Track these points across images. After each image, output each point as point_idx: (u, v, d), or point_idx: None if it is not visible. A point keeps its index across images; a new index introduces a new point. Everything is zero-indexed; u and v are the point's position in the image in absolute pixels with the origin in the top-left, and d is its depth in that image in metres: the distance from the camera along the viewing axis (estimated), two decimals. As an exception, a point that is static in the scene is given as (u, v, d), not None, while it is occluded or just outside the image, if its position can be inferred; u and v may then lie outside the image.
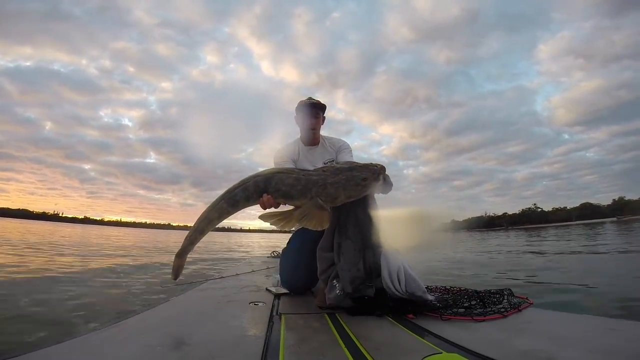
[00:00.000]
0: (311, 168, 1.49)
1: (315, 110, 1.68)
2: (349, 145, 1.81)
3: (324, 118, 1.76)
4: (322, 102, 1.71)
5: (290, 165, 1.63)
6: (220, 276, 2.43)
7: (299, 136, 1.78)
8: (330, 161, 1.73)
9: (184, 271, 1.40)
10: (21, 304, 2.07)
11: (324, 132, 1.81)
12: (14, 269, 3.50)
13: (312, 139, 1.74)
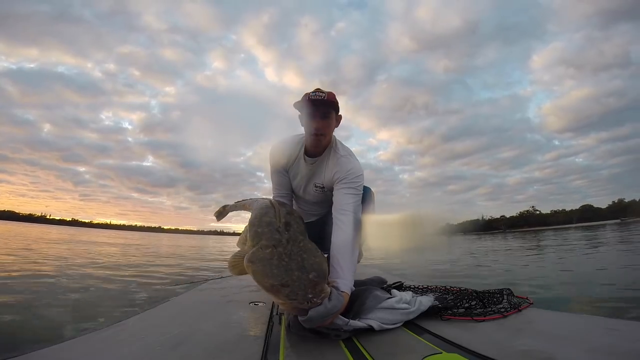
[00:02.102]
0: (302, 187, 1.40)
1: (324, 109, 1.23)
2: (359, 176, 1.25)
3: (338, 118, 1.31)
4: (334, 96, 1.26)
5: (287, 176, 1.42)
6: (220, 276, 2.43)
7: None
8: (322, 188, 1.36)
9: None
10: (18, 305, 2.06)
11: (339, 137, 1.38)
12: None
13: (317, 147, 1.30)
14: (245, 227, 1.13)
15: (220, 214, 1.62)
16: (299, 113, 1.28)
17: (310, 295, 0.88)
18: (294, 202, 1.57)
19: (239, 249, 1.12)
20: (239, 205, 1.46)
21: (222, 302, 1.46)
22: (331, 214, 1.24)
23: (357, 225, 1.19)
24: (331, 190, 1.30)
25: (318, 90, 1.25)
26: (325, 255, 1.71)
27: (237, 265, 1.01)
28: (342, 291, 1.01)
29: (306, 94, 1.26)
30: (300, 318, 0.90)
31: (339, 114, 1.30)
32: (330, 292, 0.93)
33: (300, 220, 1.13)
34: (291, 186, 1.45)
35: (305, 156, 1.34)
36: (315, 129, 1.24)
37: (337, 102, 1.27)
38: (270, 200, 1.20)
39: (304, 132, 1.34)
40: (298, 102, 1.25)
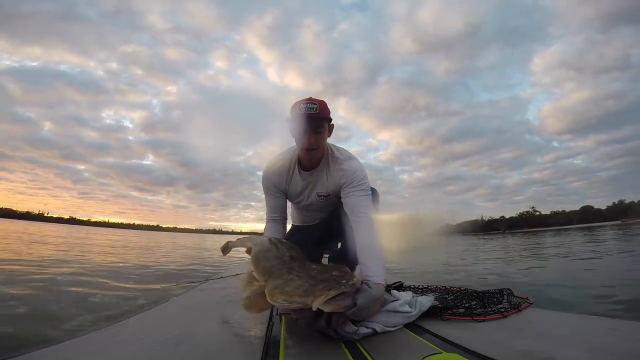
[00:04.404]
0: (305, 199, 1.38)
1: (315, 122, 1.17)
2: (365, 176, 1.25)
3: (330, 128, 1.25)
4: (326, 105, 1.21)
5: (281, 198, 1.37)
6: (220, 276, 2.43)
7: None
8: (326, 196, 1.33)
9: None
10: (19, 304, 2.06)
11: (333, 141, 1.33)
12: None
13: (310, 161, 1.27)
14: (246, 273, 1.07)
15: (226, 249, 1.56)
16: (289, 123, 1.21)
17: (344, 281, 0.85)
18: (294, 209, 1.56)
19: (245, 292, 1.03)
20: (239, 242, 1.40)
21: (222, 302, 1.46)
22: (335, 213, 1.26)
23: (375, 223, 1.20)
24: (336, 195, 1.30)
25: (309, 100, 1.18)
26: (326, 256, 1.70)
27: (255, 304, 0.94)
28: (376, 282, 1.01)
29: (296, 104, 1.19)
30: (349, 312, 0.86)
31: (332, 123, 1.25)
32: (366, 283, 0.94)
33: (303, 253, 1.11)
34: (285, 207, 1.41)
35: (301, 170, 1.31)
36: (308, 145, 1.19)
37: (329, 113, 1.22)
38: (269, 239, 1.17)
39: (295, 144, 1.28)
40: (290, 112, 1.20)
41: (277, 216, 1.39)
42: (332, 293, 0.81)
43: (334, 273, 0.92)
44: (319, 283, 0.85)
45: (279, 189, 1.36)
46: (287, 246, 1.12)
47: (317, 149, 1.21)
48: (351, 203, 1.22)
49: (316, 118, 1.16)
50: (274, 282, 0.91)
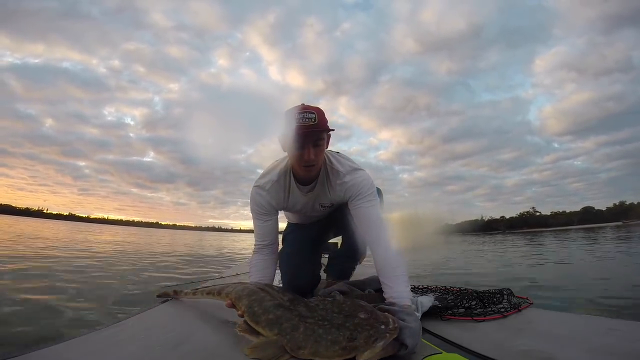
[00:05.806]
0: (306, 211, 1.33)
1: (314, 135, 1.03)
2: (371, 185, 1.17)
3: (329, 137, 1.13)
4: (323, 112, 1.07)
5: (272, 221, 1.27)
6: (220, 276, 2.43)
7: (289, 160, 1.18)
8: (330, 206, 1.29)
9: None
10: (19, 303, 2.06)
11: (333, 140, 1.20)
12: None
13: (309, 176, 1.17)
14: (238, 327, 0.93)
15: (165, 295, 1.49)
16: (282, 136, 1.06)
17: (382, 327, 0.74)
18: (291, 214, 1.55)
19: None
20: (198, 293, 1.32)
21: (222, 302, 1.46)
22: (337, 209, 1.25)
23: (388, 229, 1.15)
24: (339, 203, 1.28)
25: (305, 109, 1.03)
26: (326, 257, 1.70)
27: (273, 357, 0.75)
28: (402, 305, 0.94)
29: (289, 114, 1.04)
30: (400, 353, 0.76)
31: (329, 131, 1.09)
32: (399, 311, 0.87)
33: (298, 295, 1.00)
34: (277, 230, 1.32)
35: (299, 184, 1.21)
36: (307, 162, 1.06)
37: (327, 122, 1.07)
38: (255, 285, 1.05)
39: (286, 157, 1.19)
40: (285, 122, 1.04)
41: (267, 241, 1.28)
42: (380, 345, 0.70)
43: (361, 316, 0.78)
44: (356, 334, 0.72)
45: (275, 209, 1.27)
46: (276, 289, 1.02)
47: (316, 165, 1.10)
48: (361, 215, 1.16)
49: (315, 131, 1.02)
50: (292, 336, 0.78)
